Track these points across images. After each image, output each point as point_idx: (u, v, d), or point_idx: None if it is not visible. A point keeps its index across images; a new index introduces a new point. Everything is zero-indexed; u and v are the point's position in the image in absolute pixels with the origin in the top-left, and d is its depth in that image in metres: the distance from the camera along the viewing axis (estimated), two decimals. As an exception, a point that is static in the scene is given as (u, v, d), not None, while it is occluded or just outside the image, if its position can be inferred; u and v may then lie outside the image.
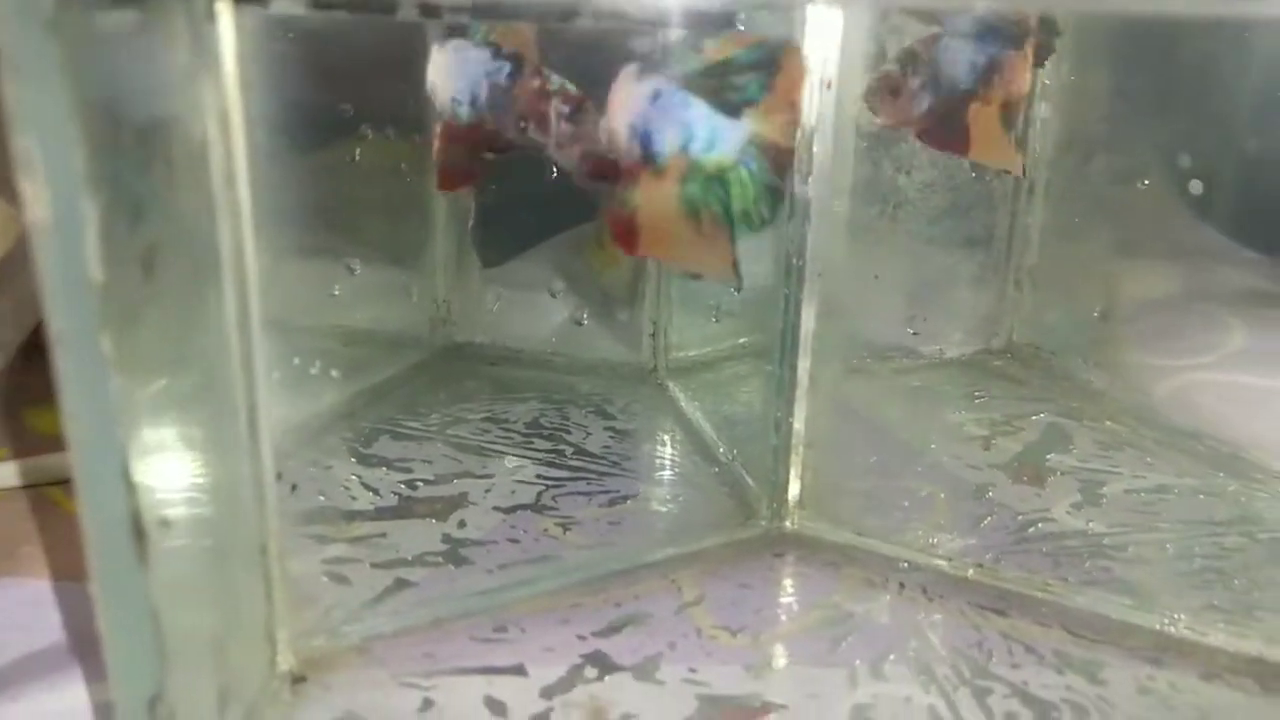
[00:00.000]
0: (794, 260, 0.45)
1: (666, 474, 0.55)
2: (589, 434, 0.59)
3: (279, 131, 0.69)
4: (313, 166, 0.70)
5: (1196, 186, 0.66)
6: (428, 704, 0.36)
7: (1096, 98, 0.68)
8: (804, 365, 0.46)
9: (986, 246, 0.70)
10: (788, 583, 0.45)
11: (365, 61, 0.67)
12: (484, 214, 0.71)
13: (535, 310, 0.70)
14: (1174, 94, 0.67)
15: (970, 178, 0.68)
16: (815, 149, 0.43)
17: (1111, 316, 0.72)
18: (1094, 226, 0.68)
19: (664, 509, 0.51)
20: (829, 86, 0.43)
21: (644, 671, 0.39)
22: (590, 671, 0.39)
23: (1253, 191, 0.69)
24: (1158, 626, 0.42)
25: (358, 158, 0.68)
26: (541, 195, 0.71)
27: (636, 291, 0.67)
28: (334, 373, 0.59)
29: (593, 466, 0.55)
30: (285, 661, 0.37)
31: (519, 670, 0.38)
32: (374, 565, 0.44)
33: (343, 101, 0.67)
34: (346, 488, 0.51)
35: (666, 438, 0.59)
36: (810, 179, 0.44)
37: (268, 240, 0.72)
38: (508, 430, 0.59)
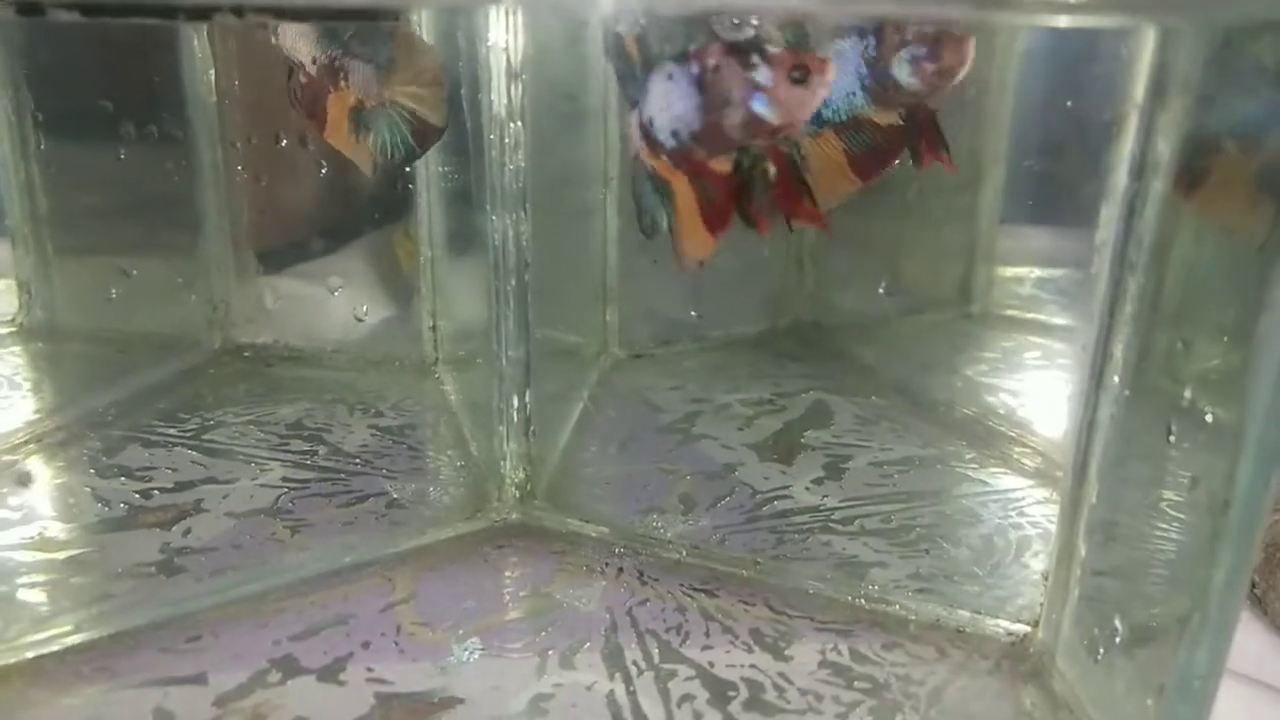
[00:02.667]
0: (501, 251, 0.45)
1: (416, 470, 0.54)
2: (350, 433, 0.58)
3: (38, 130, 0.68)
4: (76, 166, 0.69)
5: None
6: (89, 720, 0.36)
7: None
8: (517, 354, 0.46)
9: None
10: (505, 575, 0.45)
11: (119, 55, 0.66)
12: (264, 216, 0.70)
13: (315, 308, 0.68)
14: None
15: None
16: (507, 137, 0.43)
17: (896, 291, 0.73)
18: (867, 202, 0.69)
19: (402, 506, 0.50)
20: (519, 78, 0.43)
21: (329, 673, 0.38)
22: (274, 676, 0.38)
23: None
24: (850, 599, 0.43)
25: (122, 157, 0.66)
26: (325, 198, 0.70)
27: (417, 284, 0.67)
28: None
29: (344, 467, 0.54)
30: (-68, 687, 0.36)
31: (199, 679, 0.38)
32: (74, 580, 0.43)
33: (101, 98, 0.65)
34: (73, 501, 0.50)
35: (429, 433, 0.59)
36: (506, 169, 0.44)
37: (35, 244, 0.70)
38: (267, 433, 0.58)
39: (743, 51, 0.36)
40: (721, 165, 0.38)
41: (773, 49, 0.36)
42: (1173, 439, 0.31)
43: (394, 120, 0.45)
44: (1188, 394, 0.30)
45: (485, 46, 0.43)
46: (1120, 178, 0.33)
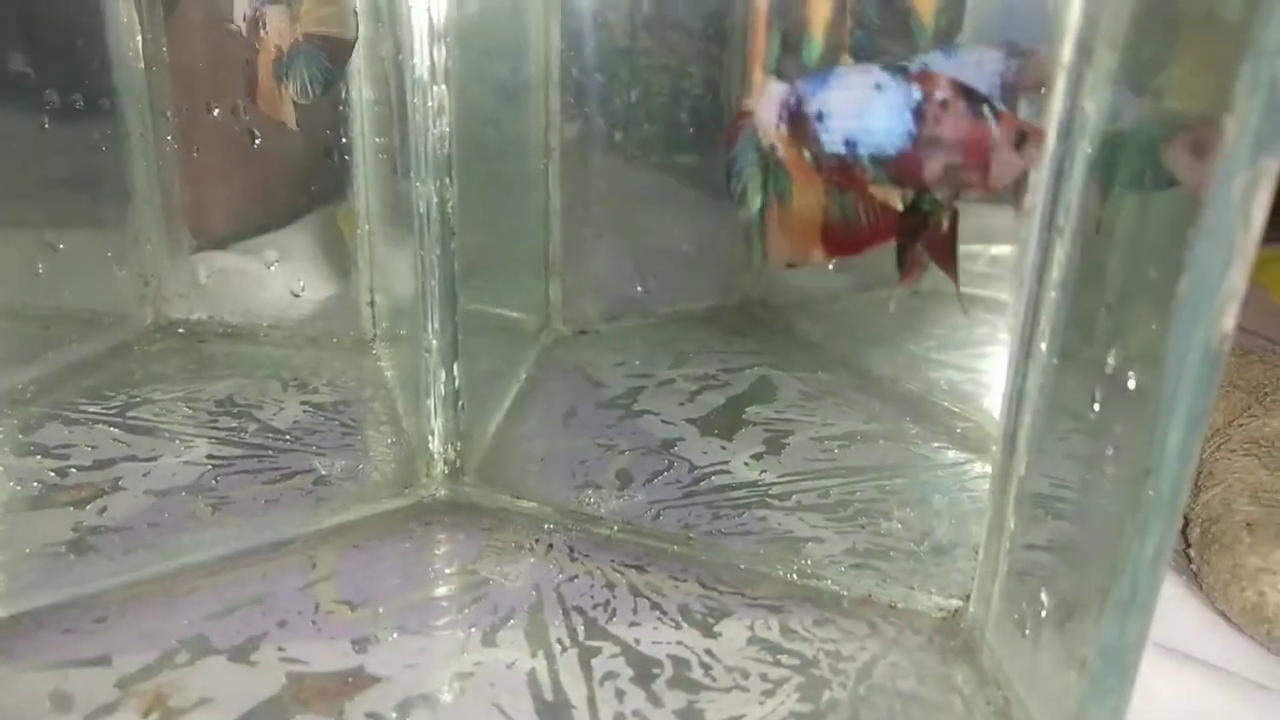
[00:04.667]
0: (425, 219, 0.44)
1: (346, 447, 0.53)
2: (282, 409, 0.56)
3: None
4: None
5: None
6: (-17, 705, 0.34)
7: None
8: (444, 326, 0.45)
9: (716, 202, 0.70)
10: (431, 552, 0.44)
11: (39, 19, 0.63)
12: (197, 188, 0.68)
13: (250, 283, 0.67)
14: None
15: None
16: (430, 101, 0.42)
17: (846, 268, 0.72)
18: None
19: (328, 483, 0.49)
20: (443, 39, 0.42)
21: (240, 653, 0.37)
22: (182, 657, 0.37)
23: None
24: (783, 574, 0.42)
25: (46, 126, 0.64)
26: (261, 170, 0.68)
27: (355, 259, 0.65)
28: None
29: (272, 444, 0.52)
30: None
31: (103, 661, 0.36)
32: (-23, 560, 0.42)
33: (21, 65, 0.63)
34: (-17, 479, 0.48)
35: (363, 410, 0.57)
36: (430, 134, 0.42)
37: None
38: (196, 410, 0.56)
39: (975, 98, 0.34)
40: (890, 197, 0.35)
41: (999, 105, 0.34)
42: (1097, 407, 0.30)
43: (309, 52, 0.45)
44: (1111, 360, 0.29)
45: (407, 6, 0.41)
46: (1048, 141, 0.32)
